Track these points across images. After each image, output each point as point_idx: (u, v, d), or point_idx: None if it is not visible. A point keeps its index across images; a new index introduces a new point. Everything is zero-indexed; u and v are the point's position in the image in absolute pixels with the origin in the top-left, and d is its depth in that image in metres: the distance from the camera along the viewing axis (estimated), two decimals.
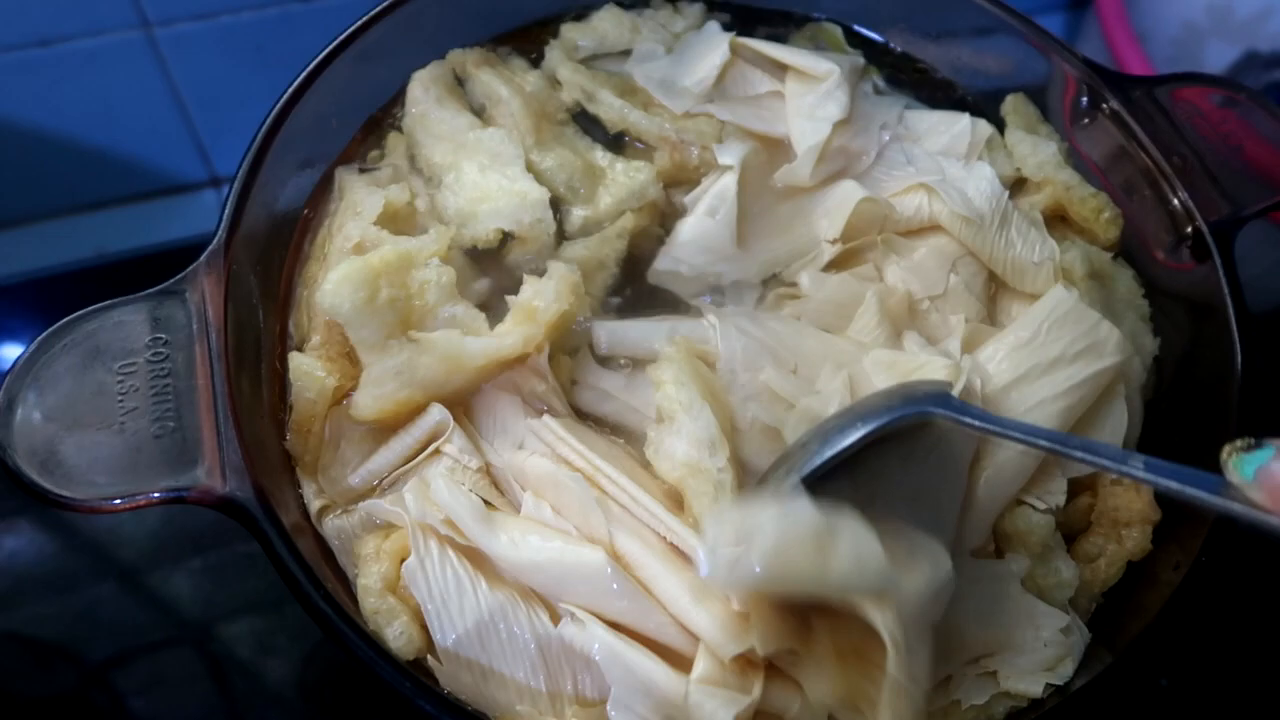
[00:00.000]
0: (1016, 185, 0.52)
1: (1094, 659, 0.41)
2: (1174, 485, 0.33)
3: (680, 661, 0.38)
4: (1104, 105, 0.51)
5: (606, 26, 0.54)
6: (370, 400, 0.41)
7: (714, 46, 0.53)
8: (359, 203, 0.45)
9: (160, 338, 0.38)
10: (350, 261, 0.40)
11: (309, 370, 0.41)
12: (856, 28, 0.58)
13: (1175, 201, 0.48)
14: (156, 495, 0.35)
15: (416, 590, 0.38)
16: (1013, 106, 0.54)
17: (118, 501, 0.35)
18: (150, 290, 0.39)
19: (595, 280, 0.48)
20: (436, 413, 0.41)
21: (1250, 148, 0.50)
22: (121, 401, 0.37)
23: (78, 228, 0.80)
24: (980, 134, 0.52)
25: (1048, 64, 0.53)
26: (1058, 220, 0.52)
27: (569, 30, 0.54)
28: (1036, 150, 0.51)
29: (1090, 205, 0.50)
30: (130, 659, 0.59)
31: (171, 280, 0.40)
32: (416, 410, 0.41)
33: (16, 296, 0.72)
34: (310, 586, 0.35)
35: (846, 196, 0.49)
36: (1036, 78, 0.54)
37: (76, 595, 0.60)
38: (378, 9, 0.48)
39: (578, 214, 0.49)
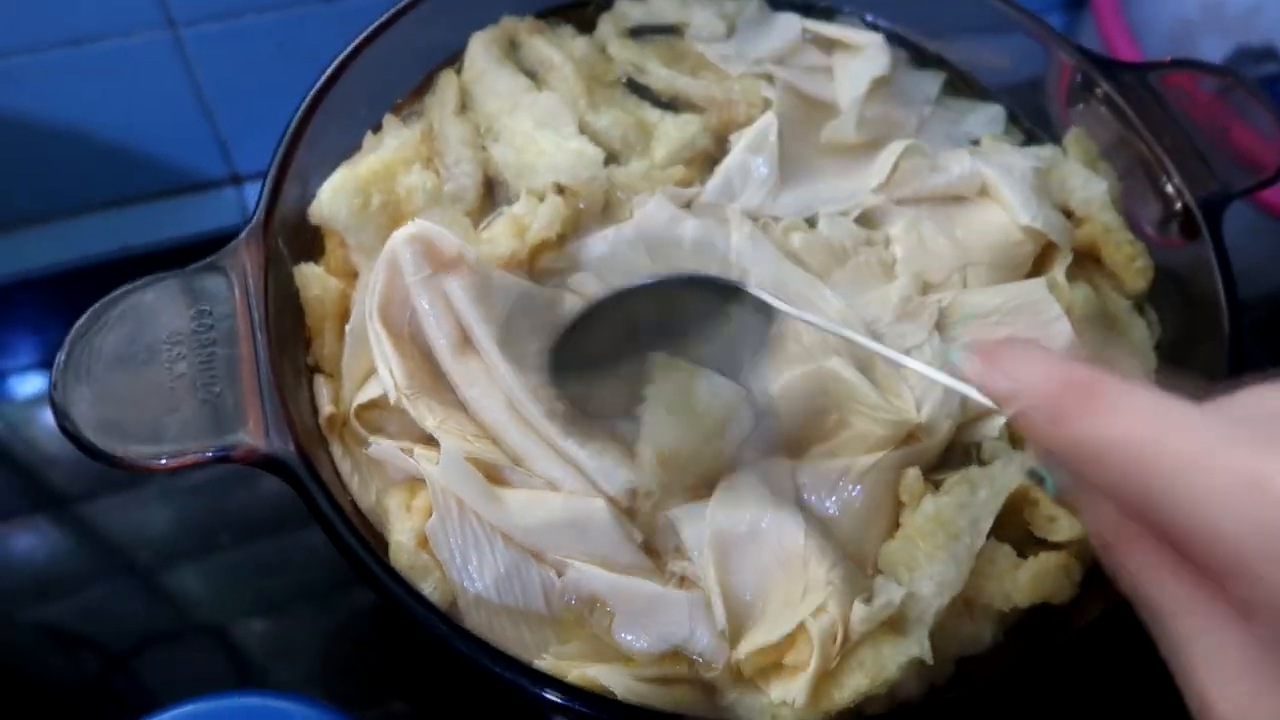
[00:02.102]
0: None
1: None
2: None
3: None
4: (1097, 89, 0.53)
5: (661, 2, 0.58)
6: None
7: (784, 26, 0.58)
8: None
9: (205, 309, 0.40)
10: (340, 172, 0.44)
11: (310, 272, 0.45)
12: (869, 18, 0.60)
13: (1165, 179, 0.51)
14: (209, 454, 0.37)
15: (438, 548, 0.40)
16: (1074, 139, 0.55)
17: (165, 460, 0.37)
18: (194, 265, 0.42)
19: None
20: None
21: (1237, 131, 0.52)
22: (170, 369, 0.39)
23: (102, 223, 0.81)
24: (1044, 155, 0.54)
25: (1044, 52, 0.55)
26: (1090, 259, 0.53)
27: (622, 3, 0.58)
28: (1087, 185, 0.52)
29: (1125, 251, 0.51)
30: (151, 650, 0.60)
31: (214, 255, 0.42)
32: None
33: (44, 290, 0.74)
34: (352, 538, 0.37)
35: (893, 148, 0.52)
36: (1035, 67, 0.56)
37: (99, 588, 0.61)
38: None
39: (636, 165, 0.51)
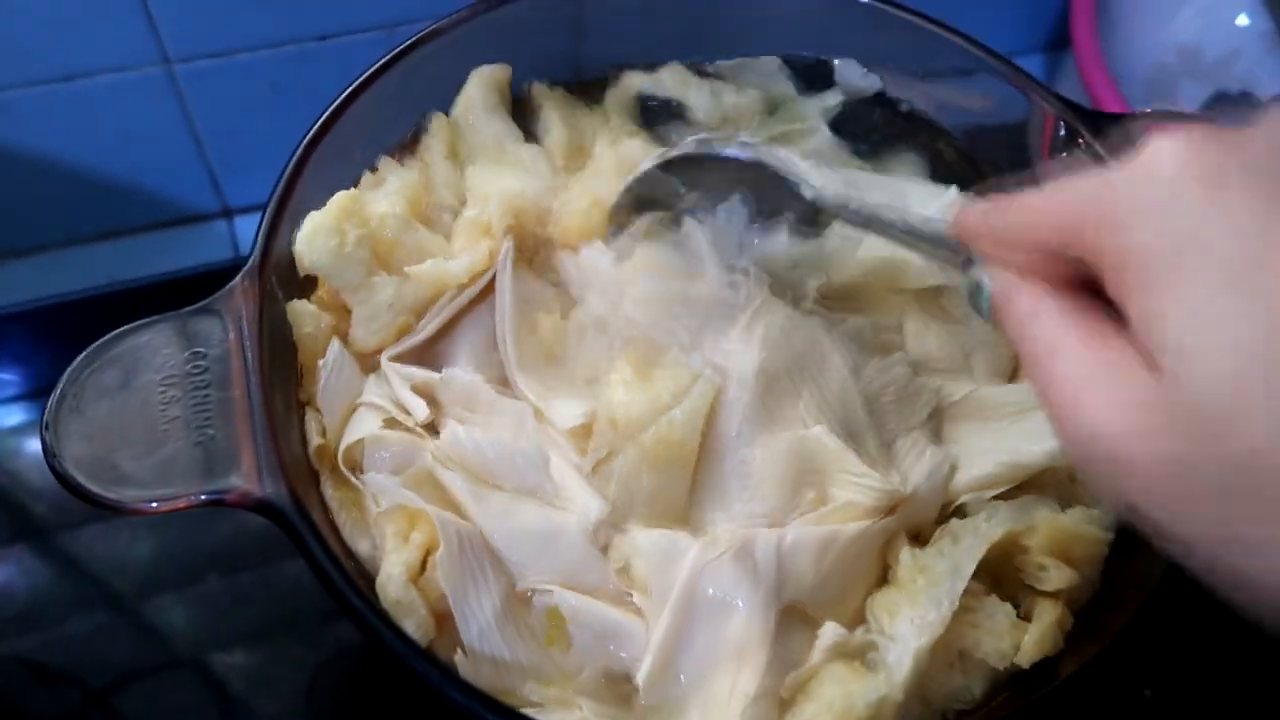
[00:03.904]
0: None
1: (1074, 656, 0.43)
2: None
3: None
4: (1079, 139, 0.54)
5: (666, 78, 0.59)
6: (368, 334, 0.46)
7: None
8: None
9: (199, 351, 0.40)
10: (308, 220, 0.45)
11: (304, 309, 0.46)
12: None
13: None
14: (202, 497, 0.37)
15: (446, 582, 0.40)
16: None
17: (155, 504, 0.38)
18: (190, 308, 0.42)
19: None
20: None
21: None
22: (164, 411, 0.39)
23: (91, 256, 0.82)
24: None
25: (1027, 102, 0.56)
26: None
27: (630, 77, 0.59)
28: None
29: None
30: (132, 684, 0.59)
31: (209, 299, 0.42)
32: (407, 331, 0.47)
33: (31, 322, 0.74)
34: (346, 586, 0.37)
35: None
36: (1016, 115, 0.57)
37: (80, 621, 0.61)
38: (420, 35, 0.52)
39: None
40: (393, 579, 0.40)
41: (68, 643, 0.60)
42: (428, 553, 0.41)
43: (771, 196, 0.47)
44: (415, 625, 0.40)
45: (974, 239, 0.35)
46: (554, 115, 0.56)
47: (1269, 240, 0.25)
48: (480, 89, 0.55)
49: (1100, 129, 0.54)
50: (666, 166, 0.48)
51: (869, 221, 0.43)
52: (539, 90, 0.58)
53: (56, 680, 0.60)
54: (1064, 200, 0.30)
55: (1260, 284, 0.24)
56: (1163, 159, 0.27)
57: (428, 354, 0.49)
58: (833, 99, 0.60)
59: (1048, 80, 0.95)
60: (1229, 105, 0.86)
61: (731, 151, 0.47)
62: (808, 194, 0.46)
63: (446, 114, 0.55)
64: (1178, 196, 0.26)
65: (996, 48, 0.57)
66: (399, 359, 0.47)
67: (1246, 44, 0.91)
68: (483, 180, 0.51)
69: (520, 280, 0.49)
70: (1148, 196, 0.27)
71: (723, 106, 0.59)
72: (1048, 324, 0.30)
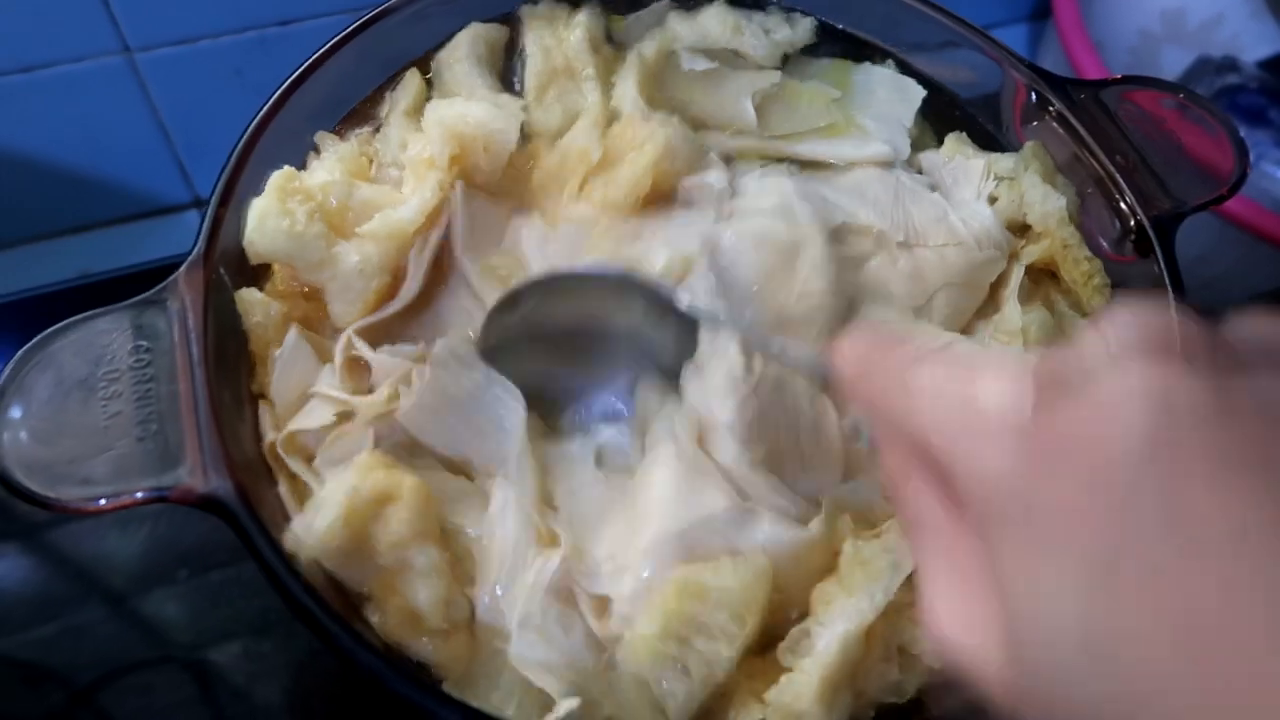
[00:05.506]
0: (1020, 231, 0.53)
1: None
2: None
3: None
4: (1050, 108, 0.53)
5: (711, 24, 0.56)
6: (347, 306, 0.45)
7: None
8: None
9: (143, 345, 0.39)
10: (252, 208, 0.43)
11: (253, 298, 0.44)
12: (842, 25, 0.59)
13: (1119, 197, 0.50)
14: (140, 495, 0.36)
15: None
16: (1033, 152, 0.53)
17: (102, 501, 0.36)
18: (132, 300, 0.41)
19: None
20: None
21: (1191, 146, 0.52)
22: (105, 406, 0.38)
23: (61, 250, 0.81)
24: (1004, 167, 0.54)
25: (999, 70, 0.55)
26: (1047, 276, 0.52)
27: (675, 22, 0.56)
28: (1046, 200, 0.51)
29: (1082, 269, 0.50)
30: (118, 681, 0.59)
31: (153, 290, 0.41)
32: (391, 290, 0.46)
33: (3, 316, 0.73)
34: (293, 582, 0.36)
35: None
36: (992, 85, 0.56)
37: (64, 618, 0.60)
38: (362, 20, 0.51)
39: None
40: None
41: (51, 639, 0.60)
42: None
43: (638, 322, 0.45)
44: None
45: (854, 392, 0.32)
46: (533, 37, 0.53)
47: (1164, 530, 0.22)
48: (470, 38, 0.53)
49: (1070, 96, 0.52)
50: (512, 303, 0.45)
51: (749, 340, 0.42)
52: (527, 11, 0.55)
53: (40, 679, 0.59)
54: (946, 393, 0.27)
55: (1113, 579, 0.22)
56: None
57: (412, 322, 0.47)
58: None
59: (1030, 51, 0.94)
60: (1212, 71, 0.85)
61: (593, 271, 0.45)
62: (681, 305, 0.43)
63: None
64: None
65: (979, 20, 0.56)
66: (379, 326, 0.46)
67: (1231, 8, 0.89)
68: (431, 115, 0.48)
69: (473, 203, 0.47)
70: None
71: (779, 44, 0.56)
72: (919, 502, 0.29)
